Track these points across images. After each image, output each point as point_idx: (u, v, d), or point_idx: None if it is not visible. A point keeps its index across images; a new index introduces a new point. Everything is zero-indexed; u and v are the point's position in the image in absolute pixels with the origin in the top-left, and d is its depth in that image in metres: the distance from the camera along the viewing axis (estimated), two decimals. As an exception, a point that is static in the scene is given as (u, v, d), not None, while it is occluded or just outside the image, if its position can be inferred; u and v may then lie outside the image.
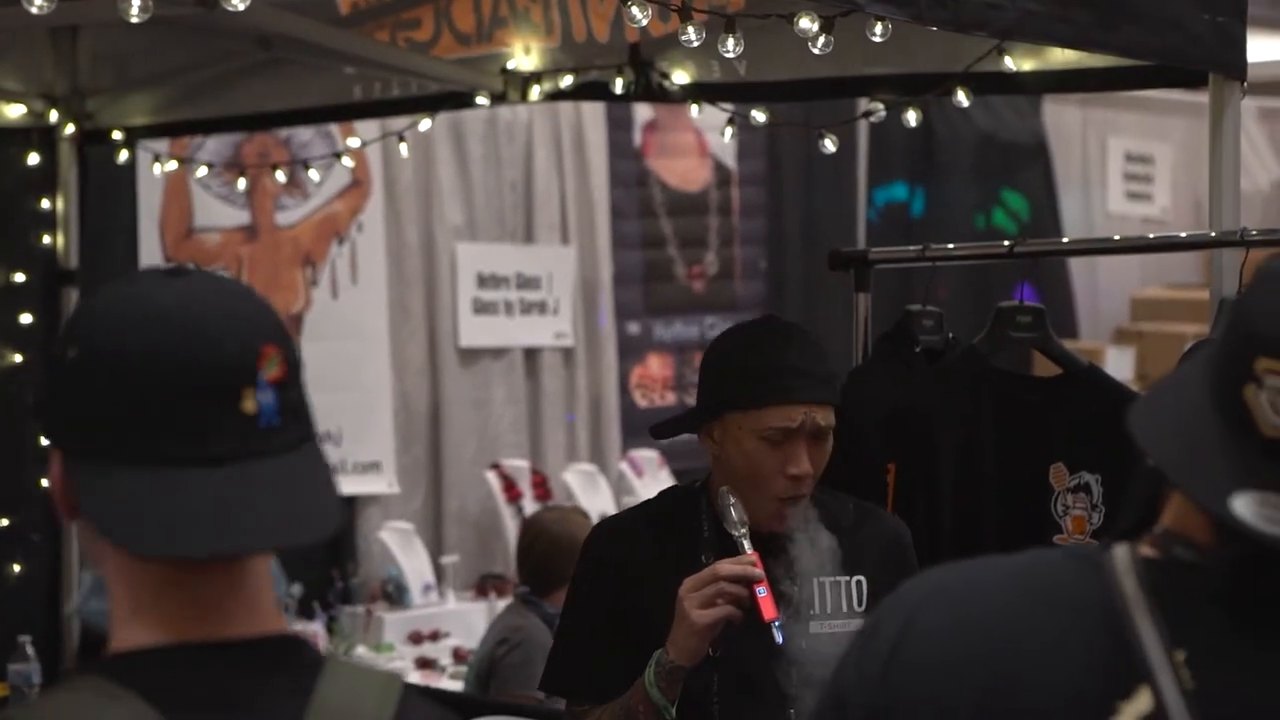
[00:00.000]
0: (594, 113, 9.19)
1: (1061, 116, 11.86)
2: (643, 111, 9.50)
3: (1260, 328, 1.63)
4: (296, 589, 7.54)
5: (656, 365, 9.66)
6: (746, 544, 3.12)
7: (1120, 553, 1.72)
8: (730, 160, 9.95)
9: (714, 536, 3.22)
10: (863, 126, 10.15)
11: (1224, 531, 1.64)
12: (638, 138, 9.58)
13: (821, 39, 3.24)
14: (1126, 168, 12.32)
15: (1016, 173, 11.50)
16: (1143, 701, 1.63)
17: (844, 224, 10.29)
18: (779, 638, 3.05)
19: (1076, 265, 11.68)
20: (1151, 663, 1.63)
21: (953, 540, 3.82)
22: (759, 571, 3.05)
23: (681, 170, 9.79)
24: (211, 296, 1.65)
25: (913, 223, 10.94)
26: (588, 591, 3.32)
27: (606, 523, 3.52)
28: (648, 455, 9.13)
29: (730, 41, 3.22)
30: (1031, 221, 11.41)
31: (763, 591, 3.05)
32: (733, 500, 3.15)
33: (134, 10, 3.36)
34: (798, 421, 3.12)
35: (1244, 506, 1.61)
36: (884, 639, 1.78)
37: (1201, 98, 3.80)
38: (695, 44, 3.22)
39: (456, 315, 8.69)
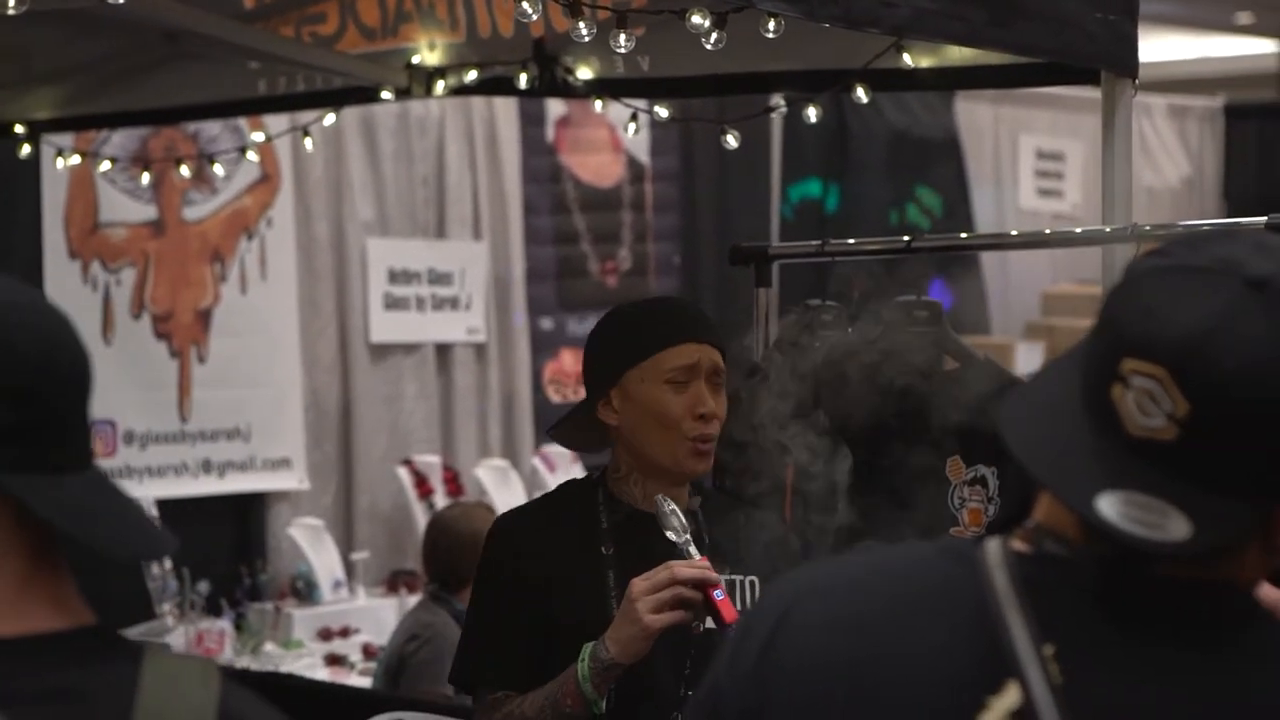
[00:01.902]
0: (507, 108, 9.17)
1: (973, 114, 11.93)
2: (556, 107, 9.49)
3: (1126, 328, 1.64)
4: (204, 586, 7.50)
5: (570, 361, 9.64)
6: (693, 549, 3.10)
7: (992, 547, 1.73)
8: (644, 156, 9.95)
9: (612, 527, 3.23)
10: (776, 123, 10.18)
11: (1091, 529, 1.66)
12: (551, 133, 9.56)
13: (715, 35, 3.25)
14: (1038, 164, 12.40)
15: (930, 169, 11.55)
16: (1011, 696, 1.64)
17: (758, 220, 10.30)
18: None
19: (989, 261, 11.75)
20: (1020, 657, 1.64)
21: (850, 533, 3.84)
22: (716, 576, 3.03)
23: (595, 166, 9.78)
24: (44, 302, 1.67)
25: (827, 219, 10.96)
26: (490, 587, 3.31)
27: (505, 518, 3.49)
28: (560, 451, 9.11)
29: (622, 37, 3.23)
30: (945, 217, 11.46)
31: (720, 594, 3.02)
32: (670, 507, 3.14)
33: (11, 2, 3.32)
34: (695, 358, 3.18)
35: (1109, 506, 1.62)
36: (756, 638, 1.79)
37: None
38: (587, 39, 3.23)
39: (367, 311, 8.65)
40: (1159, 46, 12.91)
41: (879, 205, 11.21)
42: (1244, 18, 12.73)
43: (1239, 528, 1.64)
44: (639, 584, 3.02)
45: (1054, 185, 12.47)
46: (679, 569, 3.01)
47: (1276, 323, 1.60)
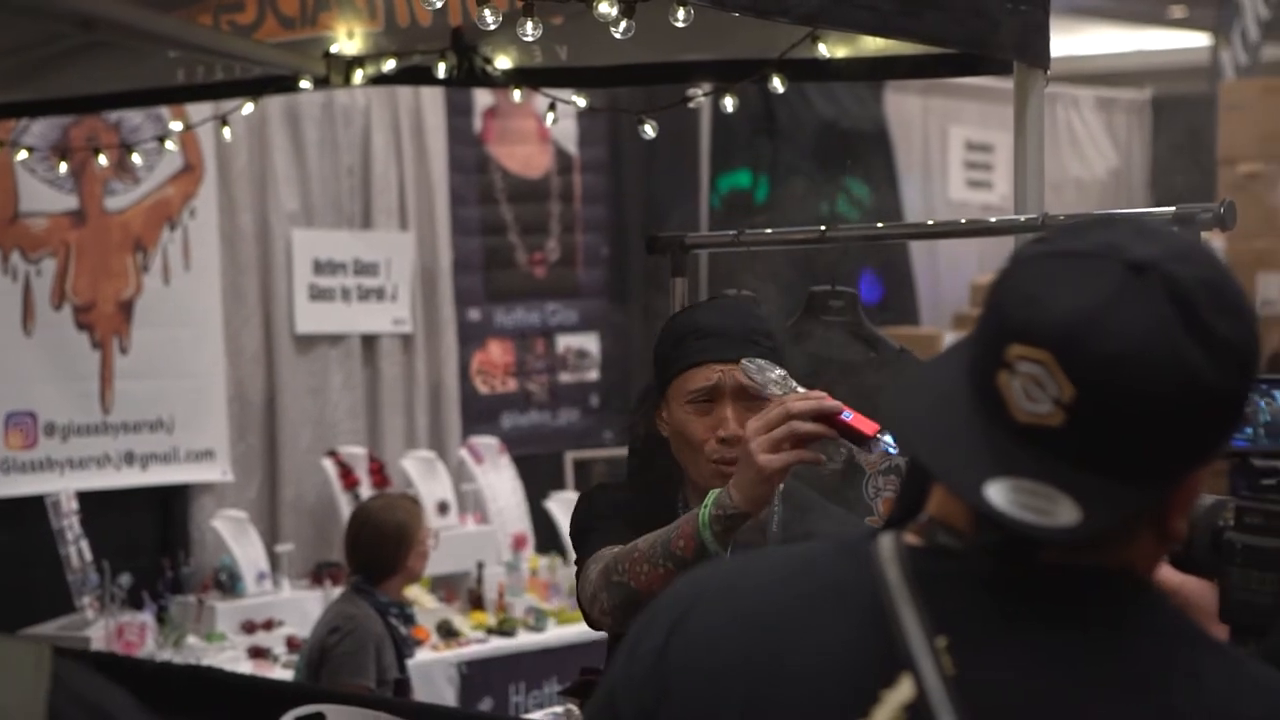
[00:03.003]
0: (433, 98, 9.13)
1: (903, 105, 11.95)
2: (483, 97, 9.45)
3: (1012, 314, 1.64)
4: (125, 579, 7.43)
5: (497, 352, 9.62)
6: (799, 389, 2.94)
7: (885, 541, 1.73)
8: (572, 147, 9.93)
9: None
10: (705, 114, 10.18)
11: (982, 518, 1.65)
12: (478, 123, 9.53)
13: (623, 23, 3.24)
14: (967, 156, 12.44)
15: (859, 160, 11.55)
16: (905, 689, 1.64)
17: (687, 211, 10.30)
18: (890, 449, 2.84)
19: (918, 253, 11.79)
20: (913, 650, 1.64)
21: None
22: (836, 402, 2.84)
23: (523, 156, 9.75)
24: None
25: (756, 210, 10.96)
26: (596, 520, 3.26)
27: (599, 488, 3.44)
28: (487, 442, 9.10)
29: (529, 25, 3.21)
30: (874, 209, 11.47)
31: (849, 415, 2.83)
32: (755, 364, 3.00)
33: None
34: (714, 380, 3.15)
35: (998, 494, 1.62)
36: (654, 638, 1.79)
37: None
38: (493, 26, 3.21)
39: (292, 302, 8.59)
40: (1092, 40, 12.98)
41: (809, 197, 11.20)
42: (1177, 11, 12.80)
43: (1128, 513, 1.65)
44: (753, 424, 2.87)
45: (983, 177, 12.51)
46: (793, 403, 2.84)
47: (1159, 306, 1.60)
